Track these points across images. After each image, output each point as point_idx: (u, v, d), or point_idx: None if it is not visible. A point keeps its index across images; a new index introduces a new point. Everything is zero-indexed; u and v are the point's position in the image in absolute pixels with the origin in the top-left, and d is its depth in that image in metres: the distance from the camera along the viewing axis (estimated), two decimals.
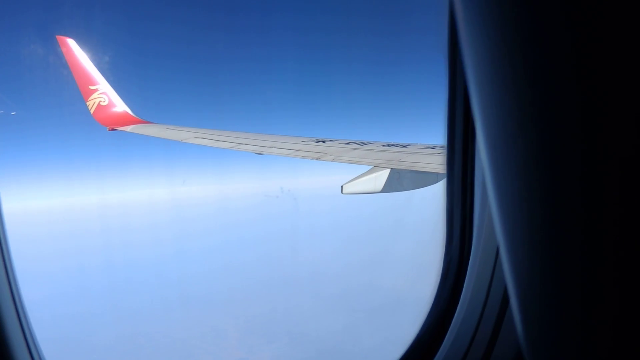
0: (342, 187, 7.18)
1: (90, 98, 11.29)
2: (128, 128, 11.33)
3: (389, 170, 7.02)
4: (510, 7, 0.66)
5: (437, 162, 6.86)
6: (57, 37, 11.35)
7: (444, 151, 1.92)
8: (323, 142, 8.94)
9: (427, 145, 7.85)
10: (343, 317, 17.64)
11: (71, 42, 11.29)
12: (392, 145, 8.25)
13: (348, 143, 8.72)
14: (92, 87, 11.33)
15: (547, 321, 0.82)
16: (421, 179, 7.05)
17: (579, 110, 0.64)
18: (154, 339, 17.51)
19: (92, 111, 11.35)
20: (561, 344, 0.81)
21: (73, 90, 11.41)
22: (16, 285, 1.39)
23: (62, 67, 11.38)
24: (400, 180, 7.03)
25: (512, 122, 0.72)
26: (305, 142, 9.03)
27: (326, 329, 16.89)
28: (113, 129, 11.39)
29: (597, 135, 0.63)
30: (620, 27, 0.59)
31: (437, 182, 6.93)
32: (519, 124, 0.71)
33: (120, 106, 11.68)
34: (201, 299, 20.78)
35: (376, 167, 7.22)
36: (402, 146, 8.08)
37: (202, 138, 10.09)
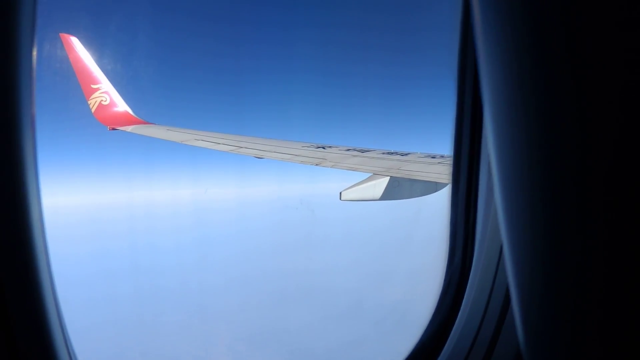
0: (340, 193, 7.18)
1: (91, 97, 11.30)
2: (129, 128, 11.33)
3: (388, 178, 7.03)
4: (520, 20, 0.71)
5: (436, 172, 6.88)
6: (60, 35, 11.38)
7: (450, 160, 1.94)
8: (323, 148, 8.96)
9: (427, 155, 7.87)
10: (336, 321, 17.58)
11: (74, 41, 11.31)
12: (392, 153, 8.26)
13: (348, 150, 8.74)
14: (94, 86, 11.34)
15: (545, 322, 0.86)
16: (420, 187, 7.06)
17: (578, 119, 0.67)
18: (143, 343, 17.41)
19: (93, 110, 11.35)
20: (558, 345, 0.84)
21: (75, 88, 11.42)
22: (54, 283, 1.39)
23: (65, 65, 11.39)
24: (400, 188, 7.03)
25: (519, 128, 0.76)
26: (305, 148, 9.04)
27: (321, 335, 16.83)
28: (113, 129, 11.38)
29: (593, 146, 0.66)
30: (624, 34, 0.61)
31: (436, 191, 6.94)
32: (527, 132, 0.75)
33: (122, 106, 11.68)
34: (197, 302, 20.69)
35: (376, 175, 7.23)
36: (402, 155, 8.09)
37: (202, 140, 10.08)
